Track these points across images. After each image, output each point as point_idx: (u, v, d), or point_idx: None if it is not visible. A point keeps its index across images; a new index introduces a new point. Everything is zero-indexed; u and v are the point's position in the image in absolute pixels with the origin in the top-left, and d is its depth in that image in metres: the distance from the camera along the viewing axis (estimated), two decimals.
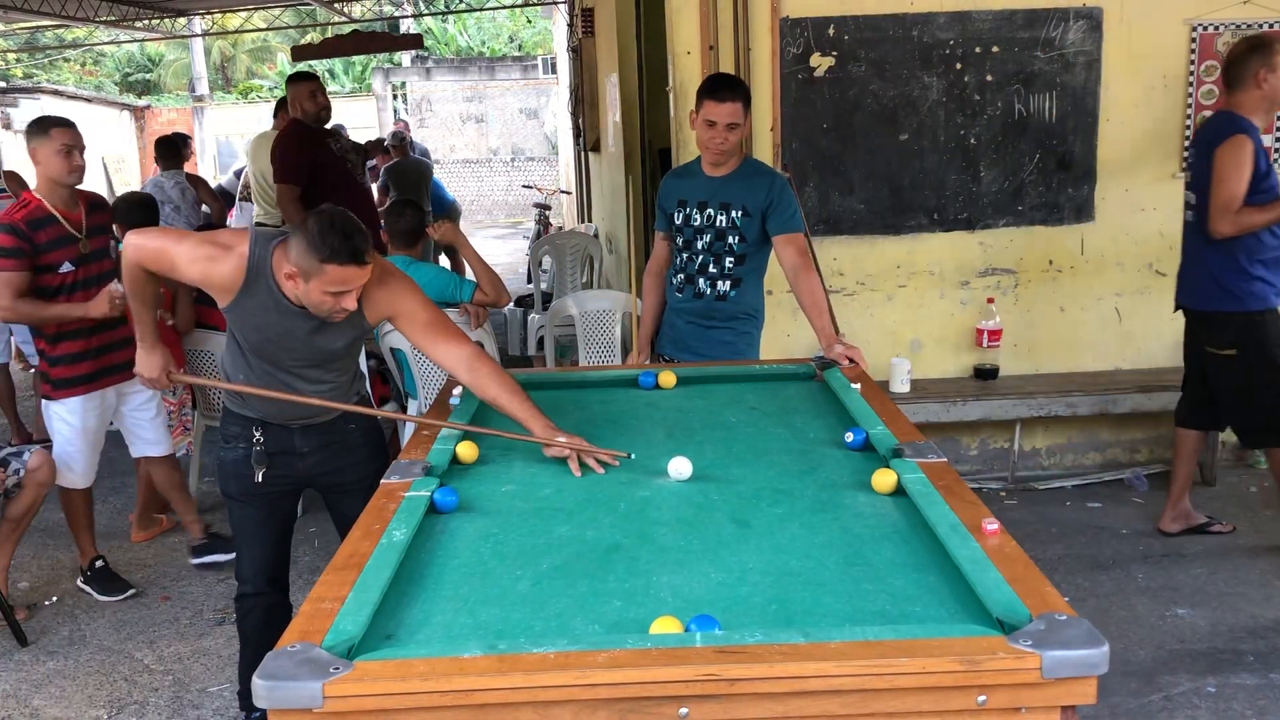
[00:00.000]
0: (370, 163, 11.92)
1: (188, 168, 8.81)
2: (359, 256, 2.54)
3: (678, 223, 3.73)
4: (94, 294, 3.97)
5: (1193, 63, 4.92)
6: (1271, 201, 3.90)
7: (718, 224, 3.65)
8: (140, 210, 4.70)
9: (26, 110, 18.94)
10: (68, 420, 4.07)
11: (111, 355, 4.11)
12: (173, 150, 7.82)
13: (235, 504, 2.99)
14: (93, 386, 4.09)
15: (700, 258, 3.70)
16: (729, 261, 3.67)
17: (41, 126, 3.90)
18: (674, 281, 3.81)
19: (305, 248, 2.53)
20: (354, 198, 5.75)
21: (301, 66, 10.26)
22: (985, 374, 5.05)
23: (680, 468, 2.38)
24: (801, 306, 3.60)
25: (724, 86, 3.54)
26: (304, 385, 2.83)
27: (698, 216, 3.68)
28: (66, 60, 26.92)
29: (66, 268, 3.93)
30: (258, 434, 2.90)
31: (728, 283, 3.69)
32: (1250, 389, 4.07)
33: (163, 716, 3.39)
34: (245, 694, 3.25)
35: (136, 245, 2.78)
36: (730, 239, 3.65)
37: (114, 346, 4.10)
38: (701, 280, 3.71)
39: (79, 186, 4.02)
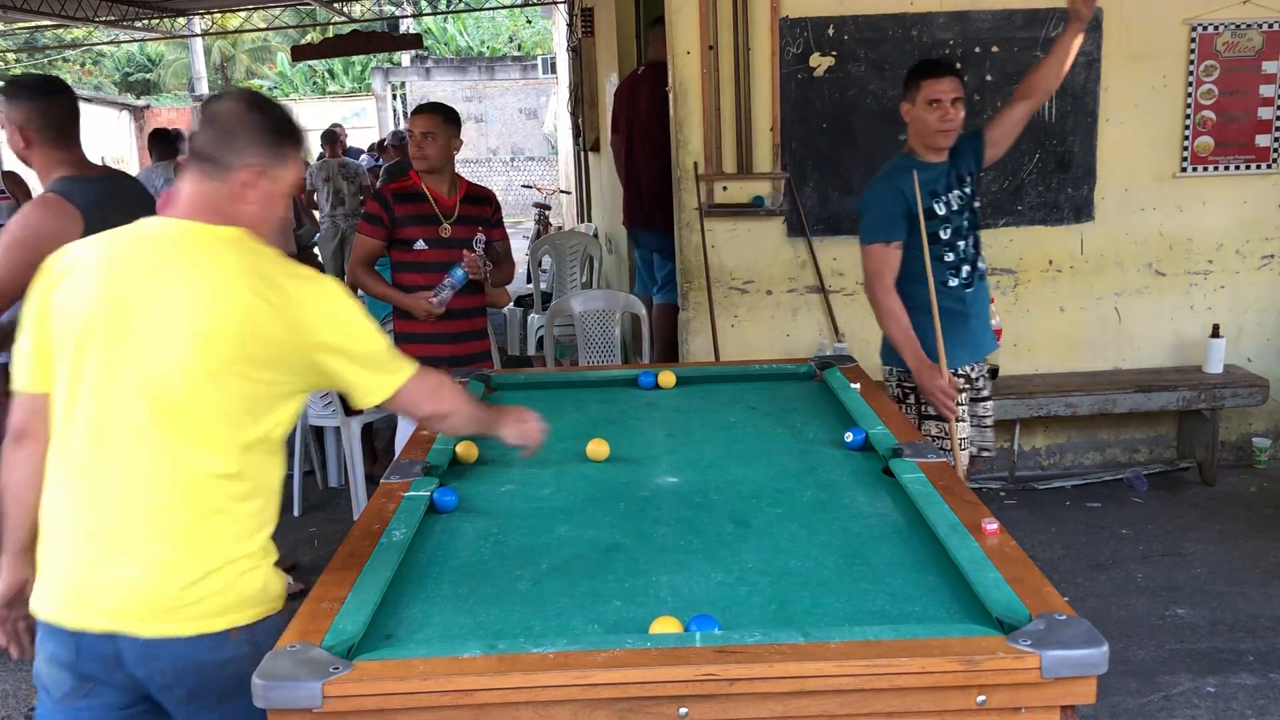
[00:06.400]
0: (376, 162, 11.96)
1: None
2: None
3: (940, 213, 3.42)
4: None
5: (1192, 63, 4.92)
6: None
7: (965, 197, 3.49)
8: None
9: None
10: None
11: None
12: (166, 143, 7.81)
13: None
14: None
15: (969, 238, 3.49)
16: (978, 234, 3.57)
17: None
18: (954, 282, 3.48)
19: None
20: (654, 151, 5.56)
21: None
22: None
23: None
24: (1034, 88, 3.51)
25: (936, 63, 3.42)
26: None
27: (953, 200, 3.46)
28: (66, 60, 26.89)
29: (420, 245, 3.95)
30: None
31: (982, 258, 3.60)
32: None
33: None
34: None
35: None
36: (975, 204, 3.54)
37: None
38: (981, 263, 3.57)
39: None
